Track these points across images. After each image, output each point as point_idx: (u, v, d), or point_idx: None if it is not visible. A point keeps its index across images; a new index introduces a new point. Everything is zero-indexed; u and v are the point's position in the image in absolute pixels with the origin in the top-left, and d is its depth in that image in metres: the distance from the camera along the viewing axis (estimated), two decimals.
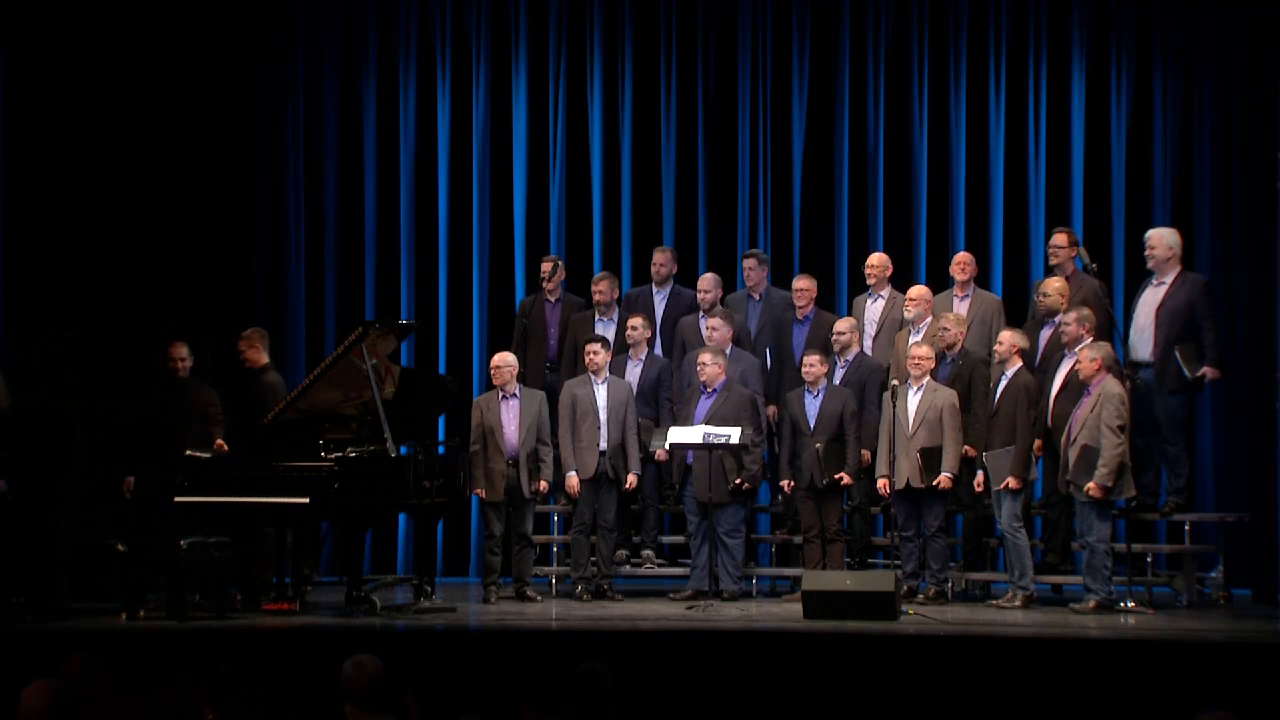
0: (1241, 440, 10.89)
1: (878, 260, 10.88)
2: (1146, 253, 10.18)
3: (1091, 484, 9.34)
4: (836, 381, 10.28)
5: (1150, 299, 10.14)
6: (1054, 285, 10.17)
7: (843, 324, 10.40)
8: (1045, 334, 10.17)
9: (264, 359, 10.42)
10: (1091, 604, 9.41)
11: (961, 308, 10.52)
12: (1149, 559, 10.02)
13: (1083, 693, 7.58)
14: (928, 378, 9.87)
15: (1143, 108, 11.71)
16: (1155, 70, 11.67)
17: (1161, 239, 10.19)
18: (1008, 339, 9.85)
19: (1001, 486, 9.64)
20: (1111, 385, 9.43)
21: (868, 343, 10.63)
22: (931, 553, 9.87)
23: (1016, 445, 9.62)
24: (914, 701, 7.52)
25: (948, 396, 9.84)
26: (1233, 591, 10.18)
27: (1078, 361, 9.58)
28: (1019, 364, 9.81)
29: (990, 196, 11.92)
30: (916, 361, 9.86)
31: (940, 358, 10.14)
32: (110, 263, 11.00)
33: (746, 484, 10.05)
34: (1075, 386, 9.67)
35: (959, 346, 10.11)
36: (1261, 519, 10.34)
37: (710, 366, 10.10)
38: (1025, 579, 9.68)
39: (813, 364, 10.09)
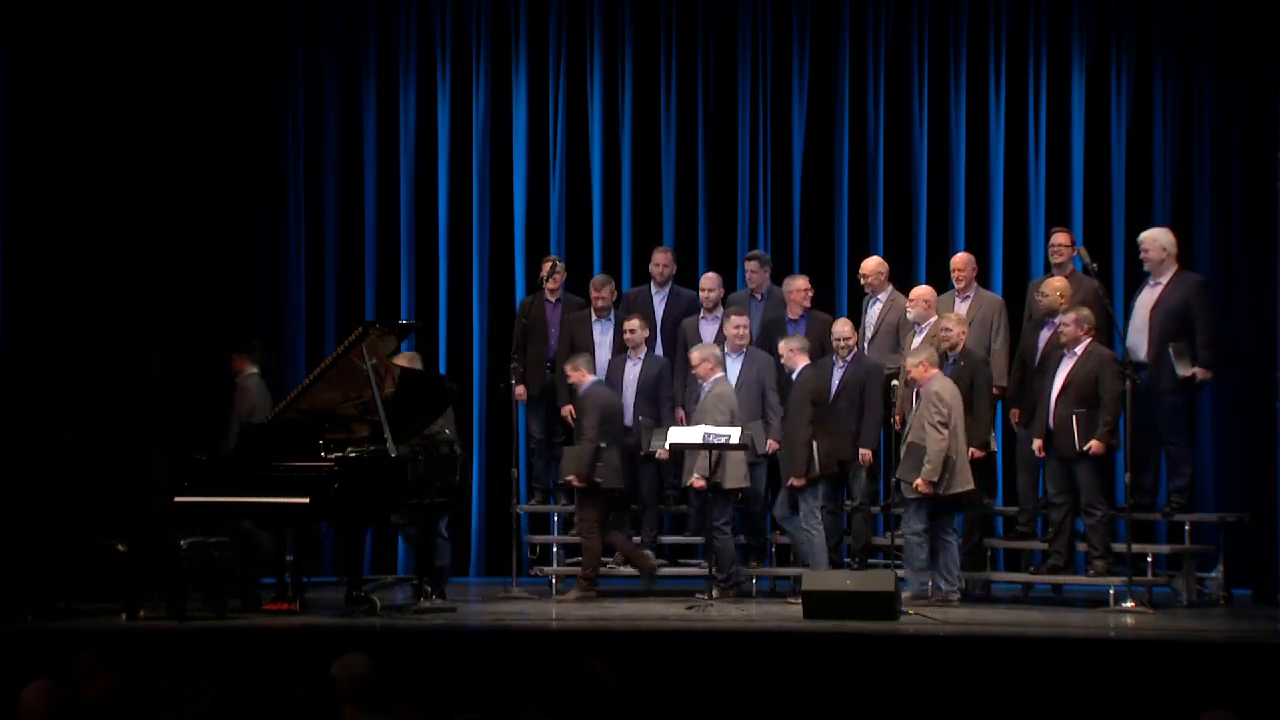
0: (1241, 440, 10.88)
1: (871, 269, 10.84)
2: (1141, 255, 10.18)
3: (919, 480, 9.56)
4: (835, 382, 10.30)
5: (1147, 299, 10.13)
6: (1054, 285, 10.16)
7: (841, 326, 10.39)
8: (1044, 334, 10.16)
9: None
10: (937, 599, 9.68)
11: (962, 308, 10.52)
12: (1149, 559, 10.00)
13: (1083, 693, 7.58)
14: None
15: (1143, 108, 11.70)
16: (1155, 70, 11.66)
17: (1154, 240, 10.17)
18: (784, 347, 10.25)
19: (789, 483, 10.06)
20: (935, 384, 9.66)
21: (864, 345, 10.63)
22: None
23: (794, 443, 9.90)
24: (914, 701, 7.52)
25: None
26: (1233, 591, 10.17)
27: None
28: (804, 362, 10.12)
29: (990, 196, 11.91)
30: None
31: (944, 358, 10.15)
32: (110, 262, 10.98)
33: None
34: (1075, 387, 9.67)
35: (960, 347, 10.10)
36: (1261, 519, 10.33)
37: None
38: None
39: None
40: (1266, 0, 10.73)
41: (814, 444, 9.98)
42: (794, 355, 10.18)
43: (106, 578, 9.27)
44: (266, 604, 9.43)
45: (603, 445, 10.08)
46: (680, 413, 10.61)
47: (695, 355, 10.24)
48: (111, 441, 10.41)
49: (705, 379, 10.17)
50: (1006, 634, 8.68)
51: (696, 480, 10.01)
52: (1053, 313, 10.07)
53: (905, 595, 9.63)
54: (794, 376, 10.17)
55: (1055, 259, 10.42)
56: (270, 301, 12.17)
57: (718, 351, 10.26)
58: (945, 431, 9.60)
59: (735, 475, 10.05)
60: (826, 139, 12.09)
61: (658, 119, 12.21)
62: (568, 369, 10.40)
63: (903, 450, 9.80)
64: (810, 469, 9.98)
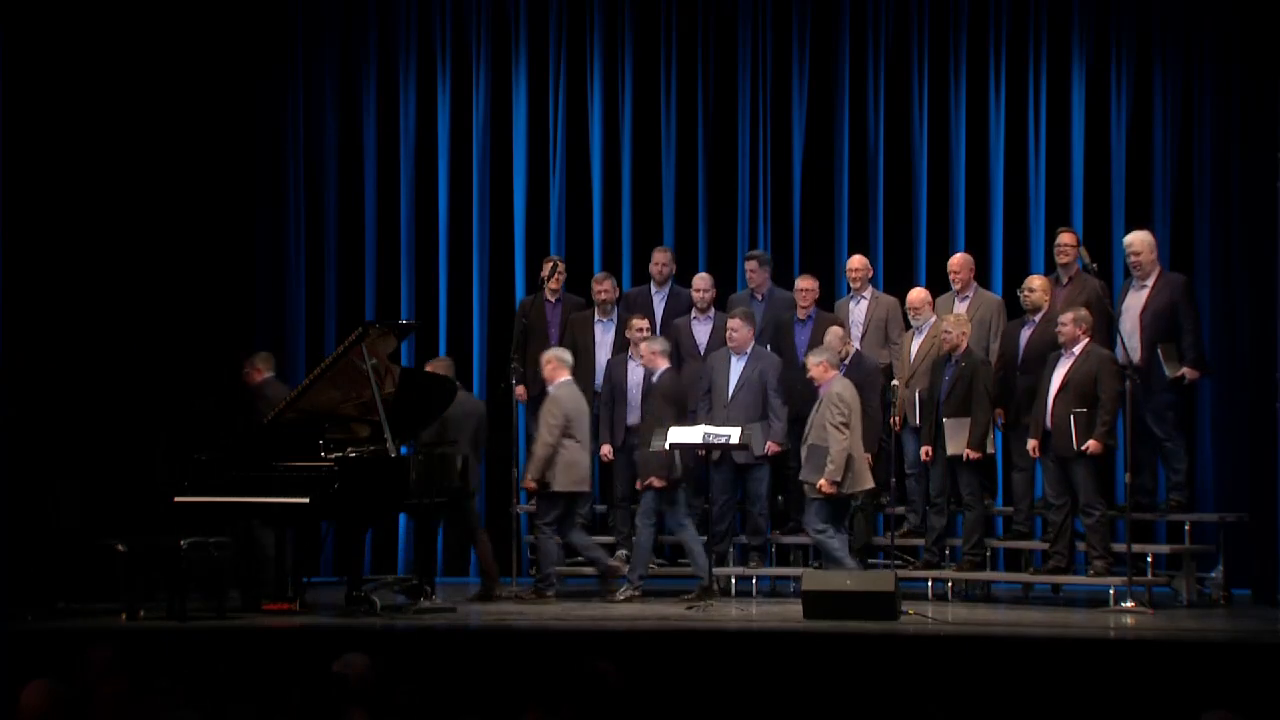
0: (1241, 440, 10.87)
1: (860, 263, 10.90)
2: (1131, 259, 10.16)
3: (823, 480, 9.70)
4: None
5: (1134, 302, 10.13)
6: (1037, 282, 10.22)
7: (832, 338, 10.37)
8: (1026, 333, 10.18)
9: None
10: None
11: (961, 308, 10.52)
12: (1149, 559, 10.00)
13: (1083, 693, 7.58)
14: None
15: (1143, 108, 11.69)
16: (1155, 70, 11.66)
17: (1145, 242, 10.17)
18: (645, 349, 10.32)
19: (648, 483, 10.07)
20: (835, 385, 9.81)
21: (855, 345, 10.62)
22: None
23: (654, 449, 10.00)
24: (914, 701, 7.51)
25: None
26: (1233, 591, 10.16)
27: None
28: (664, 365, 10.21)
29: (990, 196, 11.90)
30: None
31: (945, 359, 10.15)
32: (111, 263, 10.98)
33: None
34: (1074, 387, 9.66)
35: (962, 348, 10.10)
36: (1261, 519, 10.32)
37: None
38: (635, 573, 10.10)
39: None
40: (1266, 0, 10.73)
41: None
42: (655, 358, 10.27)
43: (106, 578, 9.27)
44: (266, 604, 9.43)
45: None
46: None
47: (542, 358, 10.39)
48: (111, 441, 10.41)
49: (550, 381, 10.28)
50: (1006, 634, 8.69)
51: (528, 481, 10.13)
52: (1037, 309, 10.11)
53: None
54: (654, 379, 10.23)
55: (1061, 259, 10.40)
56: (271, 302, 12.17)
57: (562, 354, 10.37)
58: (847, 432, 9.71)
59: (566, 479, 10.10)
60: (826, 139, 12.09)
61: (658, 119, 12.21)
62: (428, 367, 10.48)
63: (804, 452, 9.92)
64: (673, 471, 10.02)
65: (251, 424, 9.88)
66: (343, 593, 9.66)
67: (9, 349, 10.47)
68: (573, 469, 10.12)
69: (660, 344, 10.35)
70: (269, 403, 10.07)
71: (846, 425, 9.73)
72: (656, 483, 10.03)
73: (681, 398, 10.24)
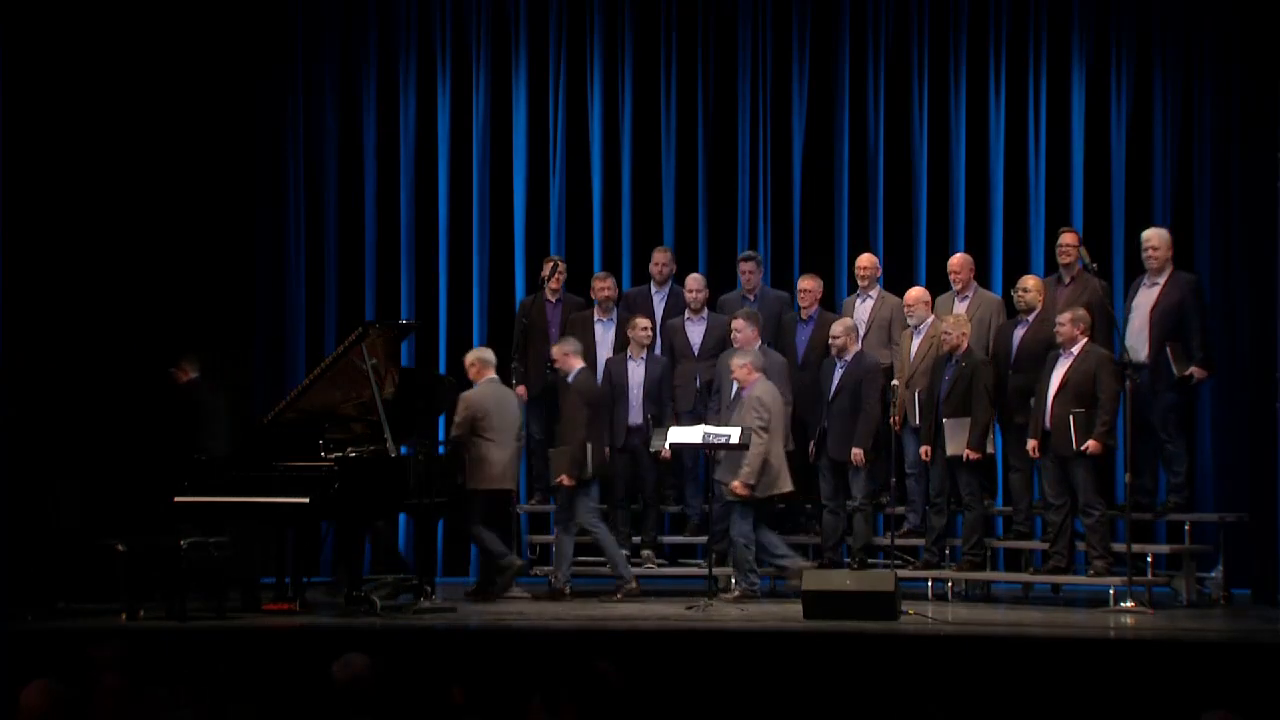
0: (1241, 440, 10.87)
1: (868, 261, 10.93)
2: (1149, 254, 10.15)
3: (736, 482, 9.80)
4: (835, 382, 10.32)
5: (1145, 300, 10.13)
6: (1031, 282, 10.24)
7: (837, 327, 10.39)
8: (1019, 333, 10.18)
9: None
10: (736, 593, 9.93)
11: (961, 308, 10.52)
12: (1149, 559, 10.00)
13: (1082, 693, 7.58)
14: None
15: (1143, 108, 11.70)
16: (1155, 70, 11.66)
17: (1162, 239, 10.18)
18: (558, 350, 10.39)
19: (559, 481, 10.08)
20: (757, 388, 9.87)
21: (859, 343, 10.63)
22: None
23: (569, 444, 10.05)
24: (914, 701, 7.51)
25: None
26: (1233, 591, 10.17)
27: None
28: (579, 365, 10.25)
29: (990, 196, 11.91)
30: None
31: (945, 359, 10.15)
32: (111, 264, 10.99)
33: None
34: (1072, 387, 9.66)
35: (962, 348, 10.10)
36: (1261, 519, 10.33)
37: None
38: (620, 571, 10.20)
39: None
40: (1266, 0, 10.73)
41: (589, 446, 10.09)
42: (568, 359, 10.31)
43: (106, 578, 9.27)
44: (266, 604, 9.43)
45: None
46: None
47: (465, 360, 10.46)
48: (111, 441, 10.41)
49: (475, 382, 10.30)
50: (1006, 634, 8.69)
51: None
52: (1031, 309, 10.13)
53: (733, 595, 9.94)
54: (569, 379, 10.27)
55: (1063, 259, 10.39)
56: (271, 302, 12.17)
57: (485, 355, 10.41)
58: (765, 435, 9.78)
59: (473, 477, 10.08)
60: (826, 139, 12.09)
61: (658, 119, 12.21)
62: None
63: (721, 454, 9.96)
64: (582, 470, 10.06)
65: (189, 424, 9.96)
66: (342, 593, 9.66)
67: (9, 349, 10.47)
68: (480, 467, 10.07)
69: (571, 344, 10.39)
70: (197, 402, 10.16)
71: (766, 429, 9.81)
72: (566, 481, 10.04)
73: (596, 397, 10.27)
